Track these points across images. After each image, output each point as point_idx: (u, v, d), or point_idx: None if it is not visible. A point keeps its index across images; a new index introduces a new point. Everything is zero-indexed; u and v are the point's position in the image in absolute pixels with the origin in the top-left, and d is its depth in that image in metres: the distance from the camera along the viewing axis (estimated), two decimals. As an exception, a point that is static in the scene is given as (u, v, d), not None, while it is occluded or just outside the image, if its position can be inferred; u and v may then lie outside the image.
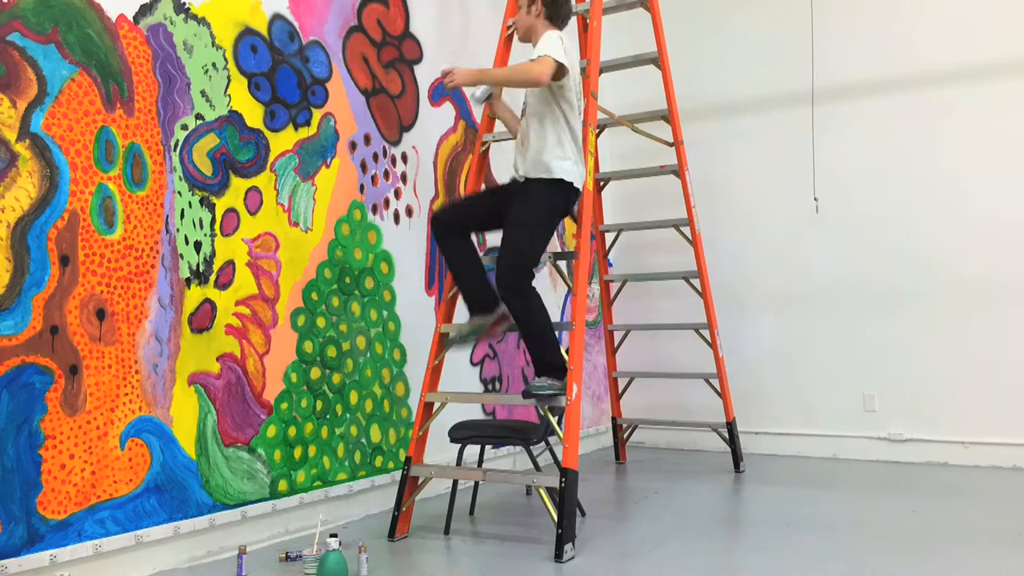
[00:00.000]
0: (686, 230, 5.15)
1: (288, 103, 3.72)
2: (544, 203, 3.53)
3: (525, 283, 3.48)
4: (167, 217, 3.22)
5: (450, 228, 3.67)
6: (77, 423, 2.89)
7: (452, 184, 4.68)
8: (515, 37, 4.31)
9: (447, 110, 4.69)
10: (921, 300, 5.10)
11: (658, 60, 4.88)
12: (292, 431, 3.67)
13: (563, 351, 3.53)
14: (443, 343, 3.85)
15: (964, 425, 4.96)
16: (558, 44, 3.41)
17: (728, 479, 4.77)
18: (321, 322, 3.83)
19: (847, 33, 5.32)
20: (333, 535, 2.95)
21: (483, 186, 4.12)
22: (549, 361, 3.50)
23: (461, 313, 4.60)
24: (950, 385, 4.99)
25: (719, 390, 5.06)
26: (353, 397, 3.98)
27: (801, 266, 5.49)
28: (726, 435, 5.07)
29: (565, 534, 3.23)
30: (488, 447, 4.26)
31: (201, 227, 3.35)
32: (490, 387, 4.89)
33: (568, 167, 3.52)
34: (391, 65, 4.34)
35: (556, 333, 3.57)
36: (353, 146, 4.06)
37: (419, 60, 4.51)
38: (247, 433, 3.48)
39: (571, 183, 3.53)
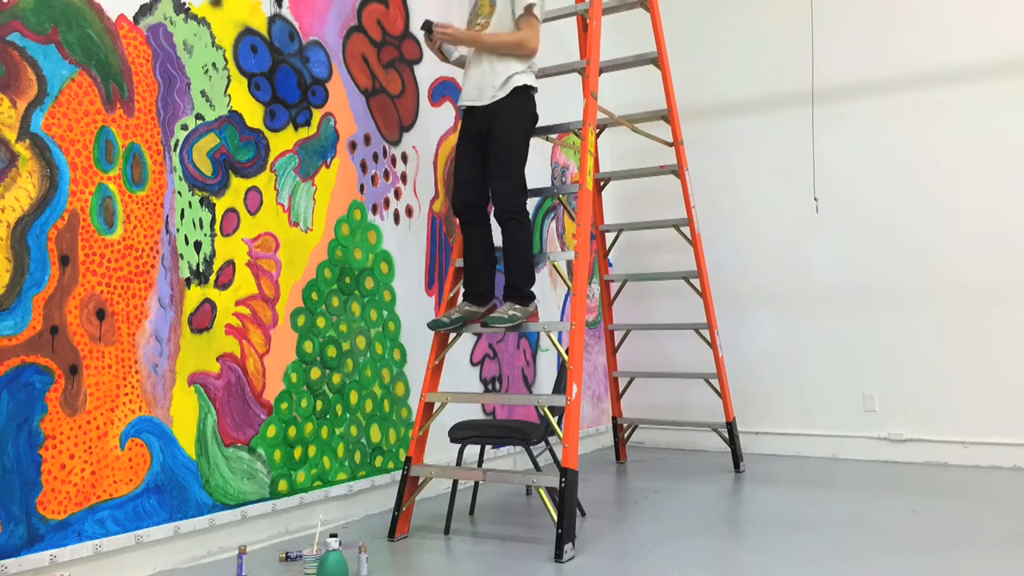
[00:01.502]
0: (686, 230, 5.15)
1: (288, 103, 3.72)
2: (520, 118, 3.68)
3: (522, 204, 3.65)
4: (167, 217, 3.22)
5: (468, 213, 3.78)
6: (77, 423, 2.89)
7: (452, 184, 4.67)
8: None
9: (447, 110, 4.69)
10: (921, 300, 5.10)
11: (658, 60, 4.88)
12: (292, 431, 3.67)
13: (533, 280, 3.72)
14: (443, 343, 3.85)
15: (964, 425, 4.96)
16: None
17: (728, 479, 4.77)
18: (321, 322, 3.83)
19: (847, 33, 5.32)
20: (333, 535, 2.95)
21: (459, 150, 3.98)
22: (519, 287, 3.67)
23: (461, 313, 4.60)
24: (950, 385, 4.99)
25: (719, 390, 5.06)
26: (353, 397, 3.98)
27: (801, 266, 5.49)
28: (726, 435, 5.07)
29: (565, 534, 3.23)
30: (488, 447, 4.26)
31: (201, 227, 3.35)
32: (490, 387, 4.89)
33: (529, 77, 3.68)
34: (391, 65, 4.34)
35: (534, 265, 3.74)
36: (353, 146, 4.06)
37: (419, 60, 4.51)
38: (247, 433, 3.48)
39: (533, 87, 3.70)
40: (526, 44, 3.56)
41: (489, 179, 3.68)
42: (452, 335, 3.89)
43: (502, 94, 3.62)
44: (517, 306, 3.64)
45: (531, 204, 5.32)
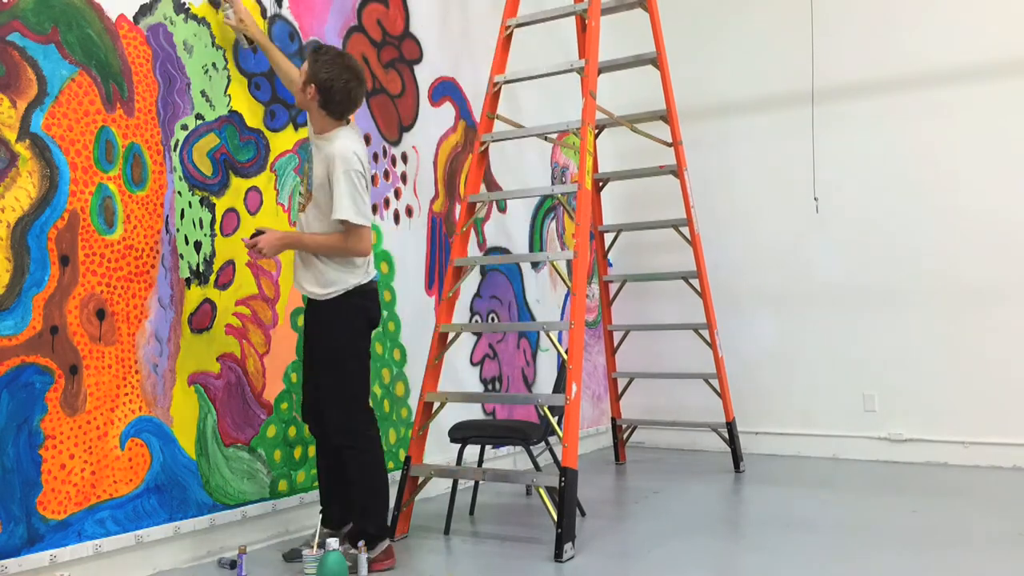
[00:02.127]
0: (685, 230, 5.15)
1: (288, 103, 3.72)
2: (339, 326, 3.14)
3: (356, 427, 3.16)
4: (167, 217, 3.22)
5: (313, 423, 3.30)
6: (77, 423, 2.89)
7: (452, 184, 4.68)
8: (514, 36, 4.33)
9: (447, 110, 4.69)
10: (921, 300, 5.10)
11: (657, 60, 4.88)
12: (292, 431, 3.67)
13: (382, 519, 3.19)
14: (442, 343, 3.85)
15: (964, 425, 4.95)
16: (361, 188, 3.04)
17: (728, 479, 4.77)
18: (321, 322, 3.83)
19: (847, 33, 5.31)
20: (333, 535, 2.95)
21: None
22: (363, 527, 3.15)
23: (461, 313, 4.61)
24: (950, 385, 4.99)
25: (719, 390, 5.06)
26: (353, 397, 3.98)
27: (801, 266, 5.49)
28: (726, 435, 5.07)
29: (565, 534, 3.23)
30: (488, 447, 4.26)
31: (201, 227, 3.35)
32: (490, 387, 4.89)
33: (346, 278, 3.13)
34: (391, 65, 4.34)
35: (384, 497, 3.22)
36: (353, 146, 4.06)
37: (419, 60, 4.51)
38: (247, 433, 3.48)
39: (358, 285, 3.15)
40: (351, 251, 3.09)
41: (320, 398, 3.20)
42: (452, 335, 3.89)
43: (321, 295, 3.14)
44: (354, 549, 3.07)
45: (531, 204, 5.36)
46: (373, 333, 3.32)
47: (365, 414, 3.21)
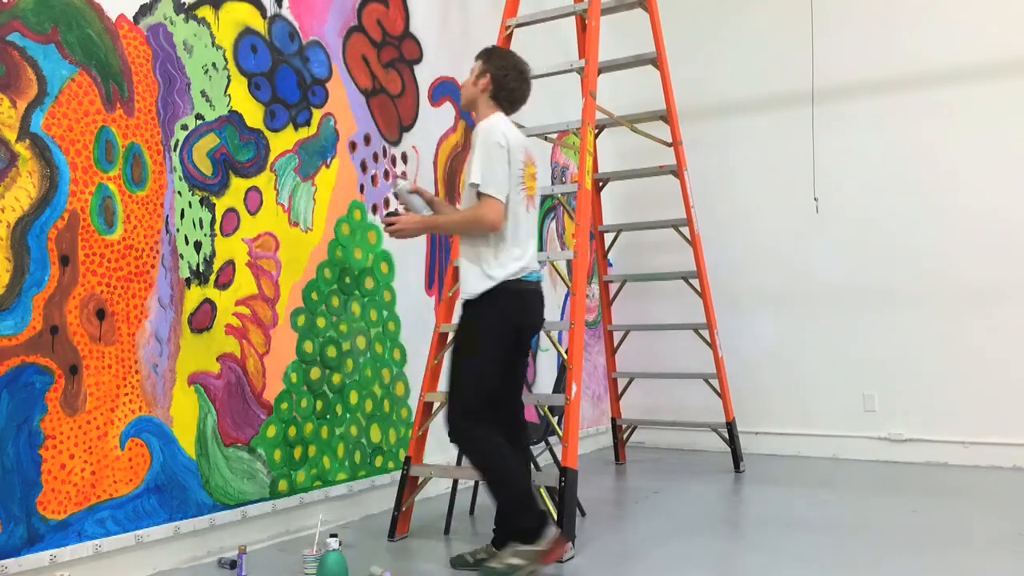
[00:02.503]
0: (685, 230, 5.15)
1: (288, 103, 3.73)
2: (477, 327, 3.07)
3: (465, 428, 3.02)
4: (167, 217, 3.22)
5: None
6: (77, 423, 2.89)
7: (452, 184, 4.68)
8: (514, 36, 4.33)
9: (447, 110, 4.69)
10: (921, 300, 5.10)
11: (657, 60, 4.88)
12: (292, 431, 3.67)
13: (540, 509, 2.99)
14: (442, 343, 3.85)
15: (964, 425, 4.96)
16: (497, 159, 3.00)
17: (728, 479, 4.77)
18: (321, 322, 3.83)
19: (847, 33, 5.32)
20: (333, 535, 2.95)
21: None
22: (510, 523, 3.00)
23: (461, 311, 4.60)
24: (950, 385, 4.99)
25: (719, 390, 5.06)
26: (353, 397, 3.98)
27: (801, 266, 5.49)
28: (726, 435, 5.07)
29: (565, 533, 3.22)
30: (488, 447, 4.25)
31: (201, 227, 3.35)
32: (490, 387, 4.88)
33: (482, 280, 3.04)
34: (391, 65, 4.34)
35: (530, 489, 3.01)
36: (353, 146, 4.06)
37: (419, 60, 4.51)
38: (247, 433, 3.48)
39: (498, 287, 3.03)
40: (481, 222, 3.00)
41: None
42: (451, 335, 3.89)
43: (463, 295, 3.11)
44: (520, 547, 2.93)
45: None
46: (374, 333, 3.29)
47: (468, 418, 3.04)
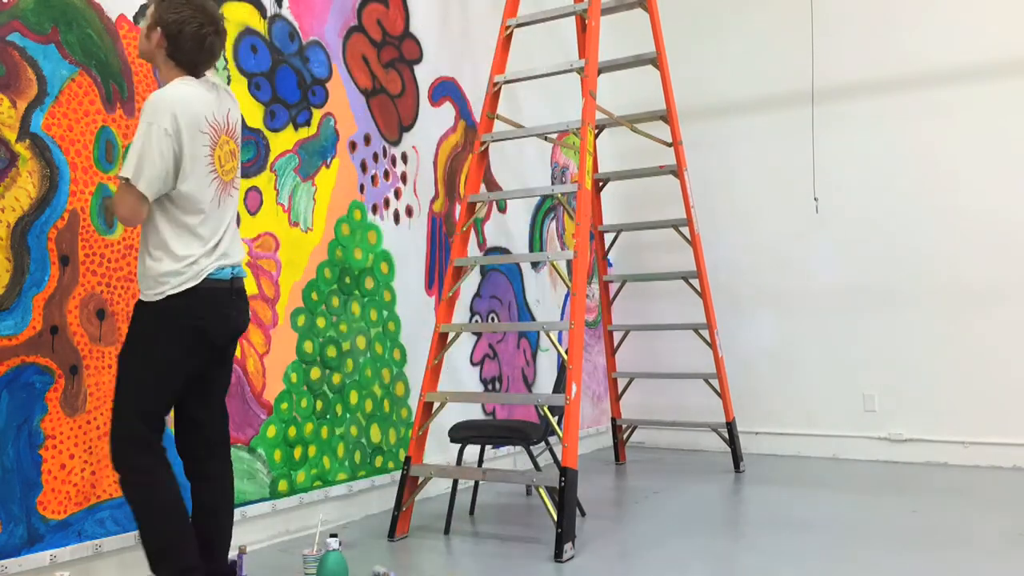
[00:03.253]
0: (685, 230, 5.15)
1: (288, 103, 3.73)
2: (137, 331, 2.58)
3: (126, 453, 2.53)
4: (167, 217, 3.21)
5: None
6: (77, 423, 2.89)
7: (452, 184, 4.68)
8: (514, 36, 4.33)
9: (447, 110, 4.69)
10: (921, 300, 5.10)
11: (656, 60, 4.89)
12: (292, 431, 3.67)
13: (183, 563, 2.53)
14: (442, 343, 3.85)
15: (964, 425, 4.96)
16: (157, 147, 2.44)
17: (728, 479, 4.77)
18: (321, 322, 3.83)
19: (847, 33, 5.32)
20: (333, 535, 2.95)
21: None
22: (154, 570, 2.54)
23: (461, 313, 4.61)
24: (950, 385, 4.99)
25: (719, 390, 5.06)
26: (353, 397, 3.98)
27: (801, 266, 5.49)
28: (726, 435, 5.07)
29: (565, 533, 3.23)
30: (488, 447, 4.26)
31: (201, 227, 3.34)
32: (490, 387, 4.89)
33: (154, 278, 2.53)
34: (391, 65, 4.34)
35: (177, 540, 2.54)
36: (353, 146, 4.06)
37: (419, 60, 4.51)
38: (247, 433, 3.48)
39: (164, 295, 2.51)
40: (118, 216, 2.56)
41: None
42: (452, 335, 3.89)
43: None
44: None
45: (531, 204, 5.36)
46: (374, 333, 3.26)
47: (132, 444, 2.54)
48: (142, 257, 2.57)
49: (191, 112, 2.51)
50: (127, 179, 2.45)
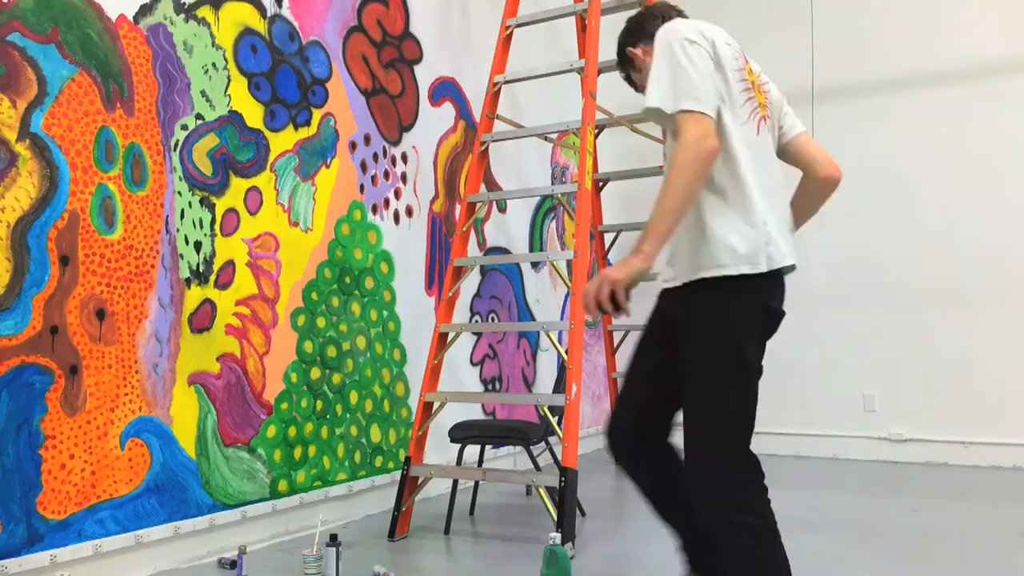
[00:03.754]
0: (686, 230, 5.14)
1: (288, 103, 3.73)
2: (717, 331, 2.00)
3: (729, 500, 1.94)
4: (167, 217, 3.22)
5: (629, 442, 2.29)
6: (77, 423, 2.89)
7: (452, 184, 4.68)
8: (514, 36, 4.33)
9: (447, 110, 4.69)
10: (921, 300, 5.10)
11: (658, 60, 4.88)
12: (292, 431, 3.67)
13: None
14: (442, 343, 3.85)
15: (964, 425, 4.96)
16: (678, 65, 1.93)
17: (728, 479, 4.76)
18: (321, 322, 3.83)
19: (847, 33, 5.32)
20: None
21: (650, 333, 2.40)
22: None
23: (461, 313, 4.61)
24: (950, 385, 4.99)
25: (719, 390, 5.05)
26: (353, 397, 3.98)
27: (801, 265, 5.42)
28: (726, 435, 5.06)
29: (565, 533, 3.22)
30: (488, 447, 4.26)
31: (201, 227, 3.35)
32: (490, 387, 4.89)
33: (735, 243, 2.00)
34: (391, 65, 4.34)
35: None
36: (353, 146, 4.06)
37: (419, 60, 4.51)
38: (247, 433, 3.48)
39: (750, 271, 2.01)
40: (686, 165, 1.88)
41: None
42: (452, 335, 3.89)
43: (689, 276, 2.09)
44: None
45: (531, 204, 5.35)
46: (374, 333, 3.25)
47: (740, 469, 1.97)
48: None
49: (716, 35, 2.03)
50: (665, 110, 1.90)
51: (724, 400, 1.97)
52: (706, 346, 2.01)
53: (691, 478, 2.00)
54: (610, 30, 5.28)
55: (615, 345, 5.48)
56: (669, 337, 2.12)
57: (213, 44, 3.43)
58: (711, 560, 2.18)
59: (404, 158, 4.37)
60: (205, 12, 3.40)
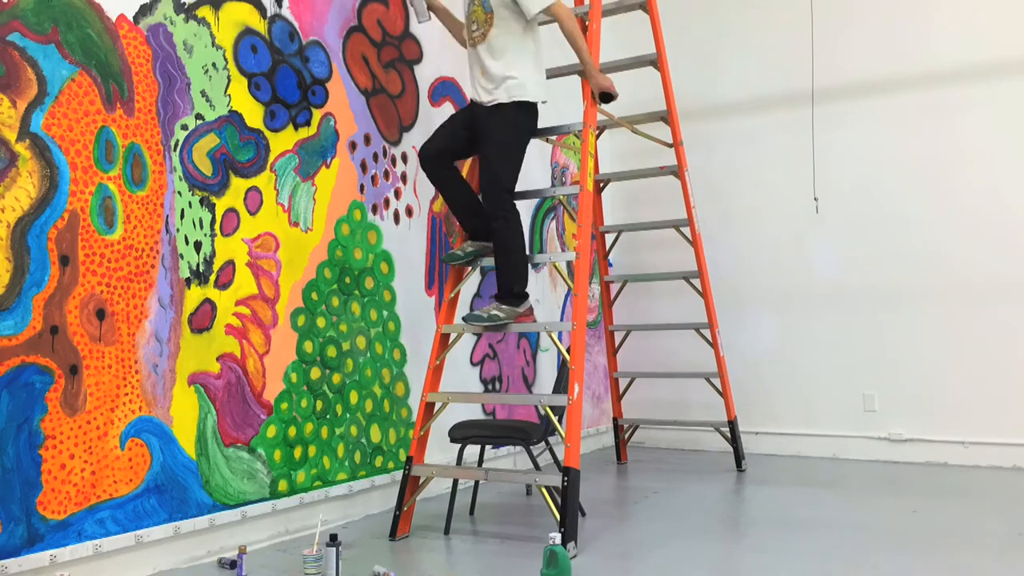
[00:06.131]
0: (686, 230, 5.15)
1: (288, 103, 3.73)
2: (515, 126, 3.68)
3: (506, 205, 3.64)
4: (167, 217, 3.22)
5: (435, 161, 3.80)
6: (77, 423, 2.89)
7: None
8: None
9: (447, 110, 4.69)
10: (921, 300, 5.10)
11: (657, 62, 4.88)
12: (292, 431, 3.67)
13: (527, 283, 3.71)
14: (444, 343, 3.85)
15: (964, 425, 4.95)
16: None
17: (729, 479, 4.77)
18: (321, 322, 3.83)
19: (847, 33, 5.32)
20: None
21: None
22: (509, 287, 3.65)
23: (462, 312, 4.61)
24: (950, 385, 4.99)
25: (720, 389, 5.06)
26: (353, 397, 3.98)
27: (801, 266, 5.49)
28: (728, 434, 5.07)
29: (567, 533, 3.22)
30: (488, 447, 4.26)
31: (201, 227, 3.35)
32: (490, 387, 4.89)
33: (533, 88, 3.68)
34: (391, 65, 4.34)
35: (527, 265, 3.71)
36: (353, 146, 4.06)
37: (419, 60, 4.51)
38: (247, 433, 3.48)
39: (535, 103, 3.72)
40: (577, 28, 3.75)
41: (480, 182, 3.80)
42: (453, 335, 3.89)
43: (504, 98, 3.70)
44: (503, 306, 3.64)
45: (531, 204, 5.36)
46: (374, 333, 3.32)
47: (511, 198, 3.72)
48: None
49: None
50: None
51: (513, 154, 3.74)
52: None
53: (484, 192, 3.72)
54: (611, 31, 5.29)
55: (616, 345, 5.48)
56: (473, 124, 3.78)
57: (213, 44, 3.43)
58: (484, 233, 3.80)
59: (404, 158, 4.37)
60: (205, 12, 3.40)
